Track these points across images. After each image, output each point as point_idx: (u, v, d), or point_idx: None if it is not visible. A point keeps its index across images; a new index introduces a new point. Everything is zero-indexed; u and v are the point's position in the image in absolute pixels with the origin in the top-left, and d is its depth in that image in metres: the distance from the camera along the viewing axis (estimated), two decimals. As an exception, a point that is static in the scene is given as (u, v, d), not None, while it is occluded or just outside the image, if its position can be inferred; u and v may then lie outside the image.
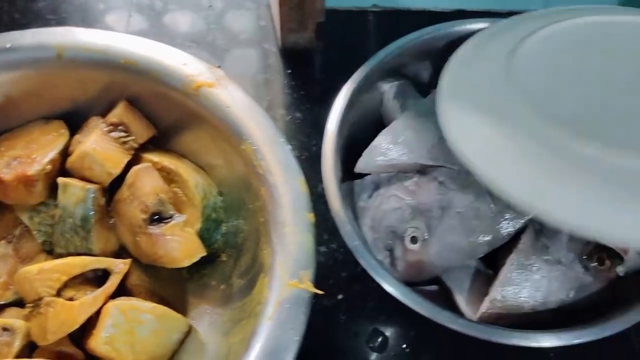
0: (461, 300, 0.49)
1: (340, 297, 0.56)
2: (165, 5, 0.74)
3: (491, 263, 0.50)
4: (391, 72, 0.57)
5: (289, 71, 0.69)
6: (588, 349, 0.53)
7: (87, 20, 0.72)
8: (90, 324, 0.49)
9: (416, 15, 0.73)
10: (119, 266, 0.51)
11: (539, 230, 0.48)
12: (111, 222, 0.54)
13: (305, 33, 0.66)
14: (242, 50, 0.70)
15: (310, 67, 0.69)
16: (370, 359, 0.53)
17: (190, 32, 0.72)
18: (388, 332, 0.54)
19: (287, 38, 0.67)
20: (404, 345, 0.54)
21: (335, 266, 0.57)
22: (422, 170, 0.50)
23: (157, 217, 0.52)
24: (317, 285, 0.56)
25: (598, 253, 0.48)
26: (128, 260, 0.52)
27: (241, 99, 0.52)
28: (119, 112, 0.55)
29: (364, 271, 0.46)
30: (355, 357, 0.53)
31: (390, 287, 0.44)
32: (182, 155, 0.57)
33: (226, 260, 0.54)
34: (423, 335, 0.54)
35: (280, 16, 0.64)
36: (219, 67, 0.68)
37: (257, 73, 0.69)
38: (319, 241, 0.58)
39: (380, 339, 0.54)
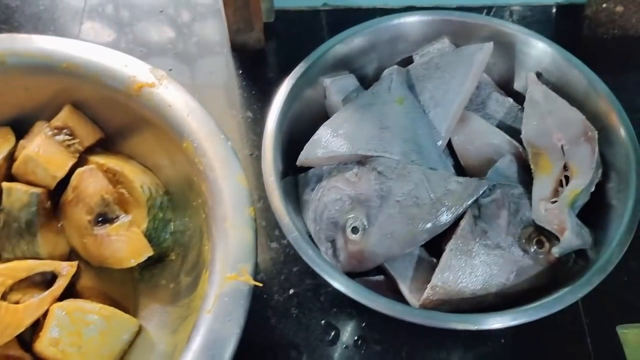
0: (405, 289, 0.49)
1: (292, 291, 0.56)
2: (118, 13, 0.74)
3: (435, 251, 0.50)
4: (336, 66, 0.57)
5: (241, 72, 0.69)
6: (539, 331, 0.53)
7: (40, 29, 0.72)
8: (39, 327, 0.49)
9: (367, 12, 0.73)
10: (66, 269, 0.51)
11: (477, 216, 0.48)
12: (59, 225, 0.55)
13: (253, 33, 0.66)
14: (195, 52, 0.71)
15: (262, 67, 0.70)
16: (323, 352, 0.53)
17: (142, 37, 0.72)
18: (340, 324, 0.54)
19: (235, 38, 0.67)
20: (356, 337, 0.54)
21: (287, 261, 0.57)
22: (362, 161, 0.50)
23: (103, 218, 0.52)
24: (268, 281, 0.57)
25: (537, 236, 0.48)
26: (74, 263, 0.52)
27: (182, 97, 0.52)
28: (63, 116, 0.55)
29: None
30: (308, 351, 0.53)
31: (327, 276, 0.45)
32: (130, 157, 0.57)
33: (175, 259, 0.54)
34: (374, 326, 0.54)
35: (227, 17, 0.64)
36: (170, 70, 0.69)
37: (210, 74, 0.69)
38: (270, 237, 0.58)
39: (332, 332, 0.54)
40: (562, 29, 0.72)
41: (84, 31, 0.72)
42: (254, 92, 0.68)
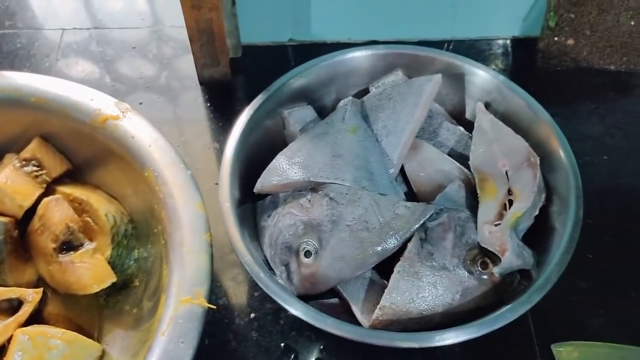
0: (357, 310, 0.50)
1: (252, 315, 0.57)
2: (92, 49, 0.77)
3: (388, 273, 0.52)
4: (294, 98, 0.60)
5: (209, 104, 0.72)
6: (492, 350, 0.55)
7: (17, 66, 0.75)
8: (4, 352, 0.51)
9: (331, 47, 0.76)
10: (31, 295, 0.53)
11: (424, 239, 0.50)
12: (27, 254, 0.56)
13: (219, 68, 0.69)
14: (166, 86, 0.74)
15: (229, 100, 0.72)
16: (282, 374, 0.55)
17: (115, 72, 0.75)
18: (298, 347, 0.56)
19: (202, 73, 0.70)
20: (314, 359, 0.55)
21: (249, 286, 0.59)
22: (316, 188, 0.53)
23: (68, 246, 0.54)
24: (230, 305, 0.59)
25: (482, 258, 0.50)
26: (40, 290, 0.53)
27: (145, 129, 0.55)
28: (32, 148, 0.57)
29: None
30: (267, 374, 0.55)
31: (274, 295, 0.47)
32: (96, 187, 0.59)
33: (138, 285, 0.56)
34: (331, 348, 0.56)
35: (193, 52, 0.67)
36: (140, 103, 0.72)
37: (180, 107, 0.72)
38: (233, 263, 0.60)
39: (292, 355, 0.56)
40: (518, 61, 0.75)
41: (59, 67, 0.75)
42: (221, 124, 0.70)
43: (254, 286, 0.59)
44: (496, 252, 0.49)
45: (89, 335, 0.53)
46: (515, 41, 0.77)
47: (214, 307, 0.47)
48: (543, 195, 0.53)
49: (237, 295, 0.59)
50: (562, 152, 0.54)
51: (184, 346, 0.45)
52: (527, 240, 0.53)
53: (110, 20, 0.80)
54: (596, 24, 0.70)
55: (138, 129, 0.55)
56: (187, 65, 0.75)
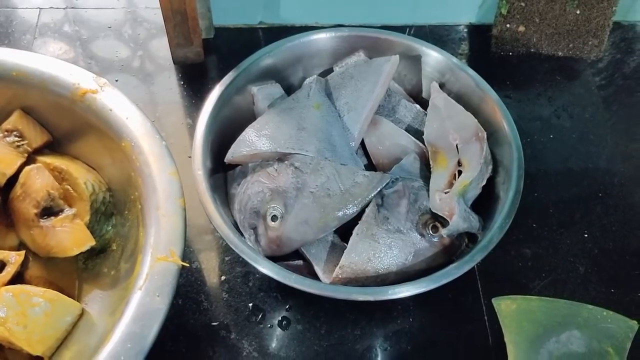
0: (319, 270, 0.55)
1: (223, 278, 0.62)
2: (68, 28, 0.80)
3: (348, 238, 0.57)
4: (263, 76, 0.64)
5: (182, 82, 0.75)
6: (444, 310, 0.61)
7: (-5, 43, 0.77)
8: (-12, 311, 0.54)
9: (300, 29, 0.80)
10: (14, 257, 0.56)
11: (380, 205, 0.55)
12: (9, 220, 0.60)
13: (192, 48, 0.73)
14: (141, 65, 0.77)
15: (202, 79, 0.76)
16: (250, 331, 0.59)
17: (91, 51, 0.78)
18: (266, 306, 0.60)
19: (176, 52, 0.74)
20: (280, 318, 0.60)
21: (220, 251, 0.63)
22: (282, 158, 0.57)
23: (49, 212, 0.57)
24: (202, 268, 0.63)
25: (433, 222, 0.55)
26: (22, 252, 0.57)
27: (122, 102, 0.58)
28: (13, 120, 0.60)
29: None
30: (236, 330, 0.59)
31: (238, 250, 0.51)
32: (76, 157, 0.63)
33: (116, 249, 0.60)
34: (297, 307, 0.60)
35: (167, 32, 0.71)
36: (117, 80, 0.75)
37: (154, 85, 0.75)
38: (205, 230, 0.64)
39: (260, 314, 0.60)
40: (474, 47, 0.80)
41: (36, 45, 0.78)
42: (194, 102, 0.74)
43: (224, 251, 0.63)
44: (445, 217, 0.54)
45: (69, 296, 0.57)
46: (472, 27, 0.82)
47: (187, 264, 0.51)
48: (490, 167, 0.58)
49: (209, 259, 0.63)
50: (507, 128, 0.59)
51: (160, 299, 0.49)
52: (476, 208, 0.58)
53: (86, 0, 0.83)
54: (545, 12, 0.76)
55: (115, 103, 0.58)
56: (161, 45, 0.78)
